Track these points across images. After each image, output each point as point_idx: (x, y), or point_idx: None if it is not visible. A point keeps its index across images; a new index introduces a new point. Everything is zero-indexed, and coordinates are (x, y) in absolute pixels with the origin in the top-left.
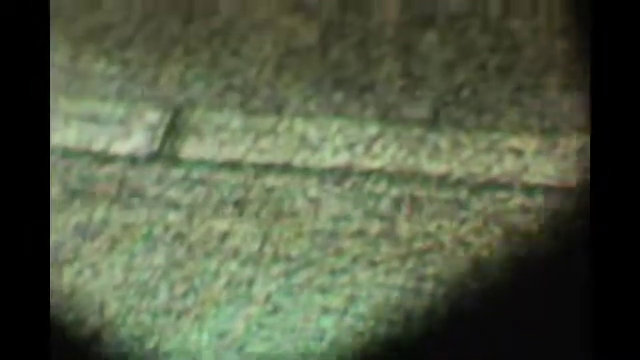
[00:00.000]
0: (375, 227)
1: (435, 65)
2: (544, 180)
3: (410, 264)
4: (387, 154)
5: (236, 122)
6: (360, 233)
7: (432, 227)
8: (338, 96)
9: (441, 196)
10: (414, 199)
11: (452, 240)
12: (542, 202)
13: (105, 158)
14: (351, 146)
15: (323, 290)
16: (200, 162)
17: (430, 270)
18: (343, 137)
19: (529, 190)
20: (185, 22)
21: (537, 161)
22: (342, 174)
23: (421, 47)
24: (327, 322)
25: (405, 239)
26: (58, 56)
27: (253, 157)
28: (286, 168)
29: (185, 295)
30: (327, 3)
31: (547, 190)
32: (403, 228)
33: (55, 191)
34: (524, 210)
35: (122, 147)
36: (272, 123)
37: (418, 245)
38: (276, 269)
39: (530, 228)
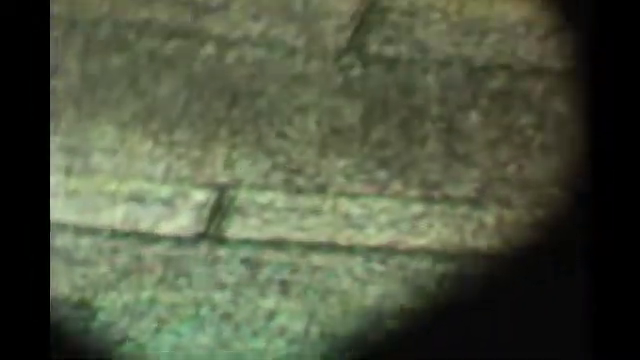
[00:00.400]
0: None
1: (479, 143)
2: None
3: None
4: (432, 232)
5: (281, 201)
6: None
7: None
8: (382, 175)
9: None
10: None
11: None
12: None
13: (151, 238)
14: (395, 224)
15: None
16: (246, 242)
17: None
18: (387, 215)
19: None
20: (230, 104)
21: None
22: (387, 252)
23: (464, 125)
24: None
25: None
26: (106, 139)
27: (298, 236)
28: (331, 247)
29: None
30: (370, 82)
31: None
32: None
33: (103, 271)
34: None
35: (168, 227)
36: (316, 202)
37: None
38: (323, 348)
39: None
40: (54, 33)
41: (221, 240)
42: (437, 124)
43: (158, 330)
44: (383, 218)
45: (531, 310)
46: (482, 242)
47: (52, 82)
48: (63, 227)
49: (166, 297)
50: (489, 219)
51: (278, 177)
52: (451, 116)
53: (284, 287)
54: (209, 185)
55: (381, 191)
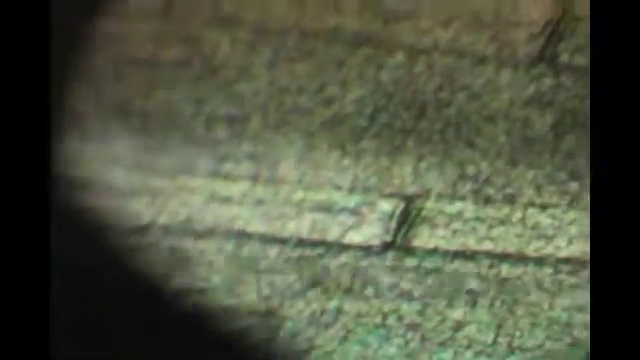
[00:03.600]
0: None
1: None
2: None
3: None
4: None
5: (469, 212)
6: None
7: None
8: (573, 186)
9: None
10: None
11: None
12: None
13: (338, 248)
14: (586, 236)
15: None
16: (433, 252)
17: None
18: (578, 227)
19: None
20: (418, 113)
21: None
22: (577, 264)
23: None
24: None
25: None
26: (293, 148)
27: (486, 247)
28: (520, 258)
29: None
30: (561, 92)
31: None
32: None
33: (289, 280)
34: None
35: (355, 237)
36: (505, 213)
37: None
38: None
39: None
40: (243, 39)
41: (408, 250)
42: None
43: (344, 339)
44: (573, 230)
45: None
46: None
47: (239, 88)
48: (250, 236)
49: (353, 307)
50: None
51: (466, 187)
52: None
53: (472, 298)
54: (396, 195)
55: (572, 202)
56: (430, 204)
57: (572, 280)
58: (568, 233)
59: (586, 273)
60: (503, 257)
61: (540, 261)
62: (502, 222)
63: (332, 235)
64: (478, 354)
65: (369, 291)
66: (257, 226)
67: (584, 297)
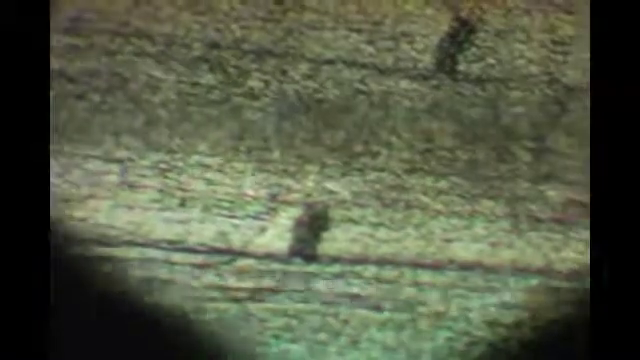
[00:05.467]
0: None
1: None
2: None
3: None
4: None
5: (371, 217)
6: None
7: None
8: (474, 194)
9: None
10: None
11: None
12: None
13: (244, 255)
14: (487, 242)
15: None
16: (337, 258)
17: None
18: (478, 233)
19: None
20: (322, 123)
21: None
22: (478, 268)
23: None
24: None
25: None
26: (199, 157)
27: (387, 251)
28: (419, 264)
29: None
30: (460, 101)
31: None
32: None
33: (195, 285)
34: None
35: (261, 244)
36: (405, 218)
37: None
38: None
39: None
40: (151, 51)
41: (312, 257)
42: None
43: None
44: (472, 235)
45: None
46: None
47: (146, 99)
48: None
49: (259, 311)
50: None
51: (369, 194)
52: None
53: (375, 302)
54: (301, 203)
55: (472, 210)
56: (334, 211)
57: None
58: (467, 239)
59: (483, 278)
60: (404, 263)
61: (438, 266)
62: (402, 227)
63: (237, 242)
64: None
65: (274, 297)
66: (163, 233)
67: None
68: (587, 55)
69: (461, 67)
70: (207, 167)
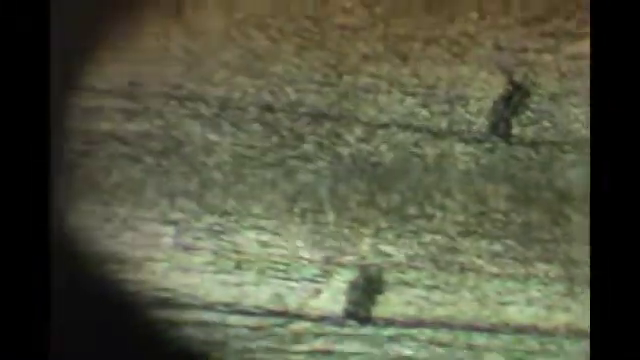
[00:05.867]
0: None
1: None
2: None
3: None
4: None
5: (426, 280)
6: None
7: None
8: (528, 257)
9: None
10: None
11: None
12: None
13: (299, 317)
14: (541, 304)
15: None
16: (391, 321)
17: None
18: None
19: None
20: (376, 186)
21: None
22: (533, 331)
23: None
24: None
25: None
26: (254, 220)
27: (441, 314)
28: (474, 327)
29: None
30: (514, 164)
31: None
32: None
33: (253, 347)
34: None
35: (315, 306)
36: (460, 281)
37: None
38: None
39: None
40: (205, 114)
41: (367, 319)
42: None
43: None
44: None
45: None
46: None
47: (201, 161)
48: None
49: None
50: None
51: (423, 257)
52: None
53: None
54: (356, 265)
55: (527, 274)
56: (388, 274)
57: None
58: (522, 302)
59: (538, 341)
60: (459, 326)
61: (493, 330)
62: (456, 290)
63: (292, 304)
64: None
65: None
66: (218, 296)
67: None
68: None
69: (515, 130)
70: (262, 229)
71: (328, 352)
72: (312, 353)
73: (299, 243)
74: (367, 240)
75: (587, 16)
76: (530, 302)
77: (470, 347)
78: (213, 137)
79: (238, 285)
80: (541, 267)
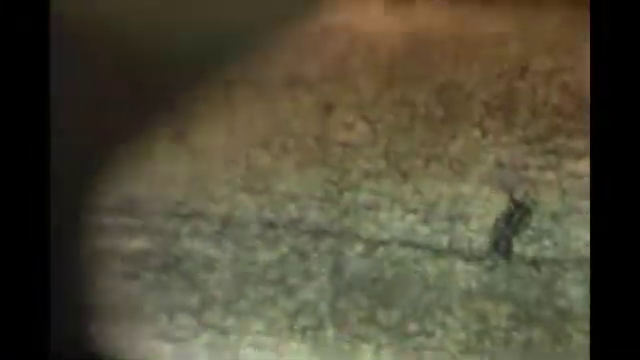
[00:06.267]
0: None
1: None
2: None
3: None
4: None
5: None
6: None
7: None
8: None
9: None
10: None
11: None
12: None
13: None
14: None
15: None
16: None
17: None
18: None
19: None
20: (377, 303)
21: None
22: None
23: None
24: None
25: None
26: (254, 336)
27: None
28: None
29: None
30: (515, 283)
31: None
32: None
33: None
34: None
35: None
36: None
37: None
38: None
39: None
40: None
41: None
42: None
43: None
44: None
45: None
46: None
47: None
48: None
49: None
50: None
51: None
52: None
53: None
54: None
55: None
56: None
57: None
58: None
59: None
60: None
61: None
62: None
63: None
64: None
65: None
66: None
67: None
68: None
69: (516, 248)
70: (262, 346)
71: None
72: None
73: None
74: (368, 356)
75: (588, 134)
76: None
77: None
78: (214, 254)
79: None
80: None
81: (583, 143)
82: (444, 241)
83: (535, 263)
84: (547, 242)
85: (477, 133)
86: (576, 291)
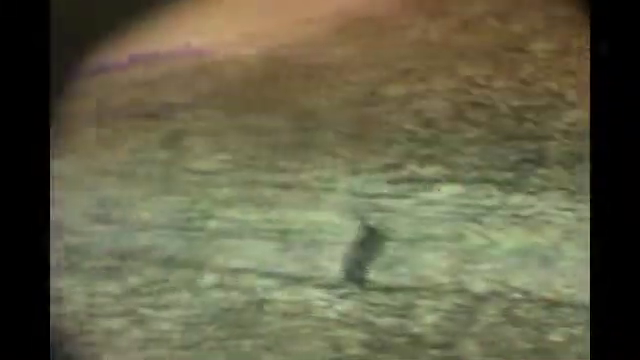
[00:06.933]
0: None
1: None
2: None
3: None
4: None
5: None
6: None
7: None
8: None
9: None
10: None
11: None
12: None
13: None
14: None
15: None
16: None
17: None
18: None
19: None
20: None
21: None
22: None
23: None
24: None
25: None
26: None
27: None
28: None
29: None
30: (370, 311)
31: None
32: None
33: None
34: None
35: None
36: None
37: None
38: None
39: None
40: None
41: None
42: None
43: None
44: None
45: None
46: None
47: None
48: None
49: None
50: None
51: None
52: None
53: None
54: None
55: None
56: None
57: None
58: None
59: None
60: None
61: None
62: None
63: None
64: None
65: None
66: None
67: None
68: (498, 265)
69: (370, 276)
70: None
71: None
72: None
73: None
74: None
75: (442, 161)
76: None
77: None
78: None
79: None
80: None
81: (435, 170)
82: (298, 270)
83: (389, 290)
84: (402, 269)
85: (329, 160)
86: (430, 318)
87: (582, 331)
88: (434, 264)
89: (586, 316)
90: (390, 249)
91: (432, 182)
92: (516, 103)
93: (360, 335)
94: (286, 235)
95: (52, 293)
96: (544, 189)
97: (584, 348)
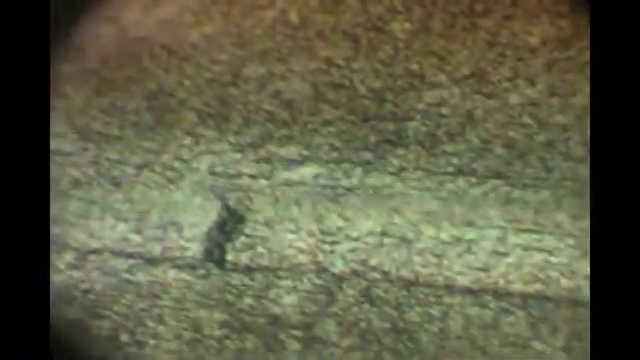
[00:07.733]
0: None
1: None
2: None
3: None
4: None
5: None
6: None
7: None
8: None
9: None
10: None
11: None
12: None
13: None
14: None
15: None
16: None
17: None
18: None
19: None
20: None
21: None
22: None
23: None
24: None
25: None
26: None
27: None
28: None
29: None
30: (229, 291)
31: None
32: None
33: None
34: None
35: None
36: None
37: None
38: None
39: None
40: None
41: None
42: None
43: None
44: None
45: None
46: None
47: None
48: None
49: None
50: None
51: None
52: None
53: None
54: None
55: None
56: None
57: None
58: None
59: None
60: None
61: None
62: None
63: None
64: None
65: None
66: None
67: None
68: (355, 244)
69: (230, 256)
70: None
71: None
72: None
73: None
74: None
75: (302, 142)
76: None
77: None
78: None
79: None
80: None
81: (295, 150)
82: (156, 250)
83: (249, 271)
84: (261, 249)
85: (189, 140)
86: (289, 299)
87: (439, 312)
88: (293, 244)
89: (441, 295)
90: (250, 229)
91: (291, 162)
92: (376, 85)
93: (219, 316)
94: (145, 215)
95: None
96: (403, 169)
97: (442, 327)
